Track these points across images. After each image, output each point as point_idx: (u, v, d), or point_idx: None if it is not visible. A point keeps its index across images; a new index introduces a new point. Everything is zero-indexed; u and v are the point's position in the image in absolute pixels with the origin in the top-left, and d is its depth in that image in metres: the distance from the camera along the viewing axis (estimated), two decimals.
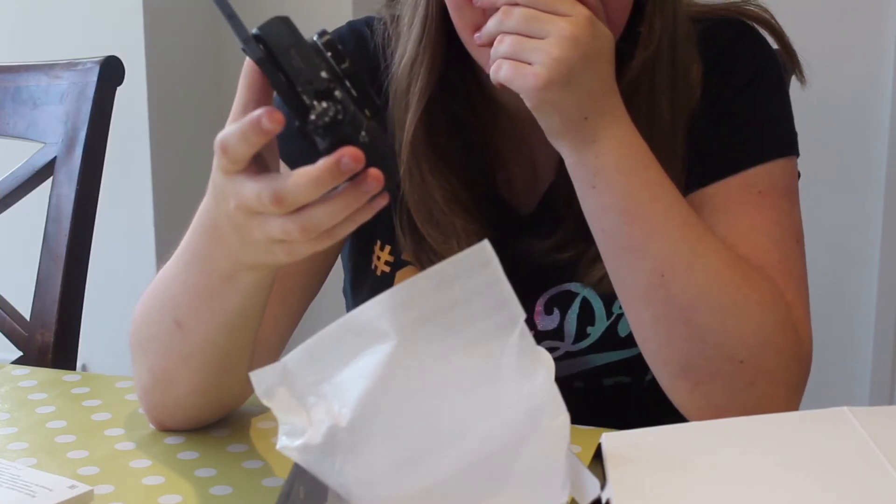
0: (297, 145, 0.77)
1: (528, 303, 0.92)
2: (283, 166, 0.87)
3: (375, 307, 0.74)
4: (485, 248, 0.73)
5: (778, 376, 0.98)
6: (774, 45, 1.12)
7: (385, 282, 1.11)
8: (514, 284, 0.73)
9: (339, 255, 1.16)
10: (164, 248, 2.40)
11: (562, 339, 1.11)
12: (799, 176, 1.09)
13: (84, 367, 2.41)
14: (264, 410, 1.05)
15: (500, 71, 0.93)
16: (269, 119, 0.74)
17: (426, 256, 1.07)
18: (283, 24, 0.75)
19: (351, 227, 0.77)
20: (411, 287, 0.74)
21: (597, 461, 0.85)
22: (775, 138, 1.07)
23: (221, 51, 2.54)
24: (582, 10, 0.92)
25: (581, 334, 1.11)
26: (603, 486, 0.78)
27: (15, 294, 1.48)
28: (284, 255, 0.81)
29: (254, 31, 0.75)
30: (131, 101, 2.33)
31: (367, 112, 0.75)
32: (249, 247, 0.82)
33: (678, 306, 0.96)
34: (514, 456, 0.74)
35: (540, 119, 0.95)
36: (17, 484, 0.88)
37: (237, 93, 0.80)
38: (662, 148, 1.00)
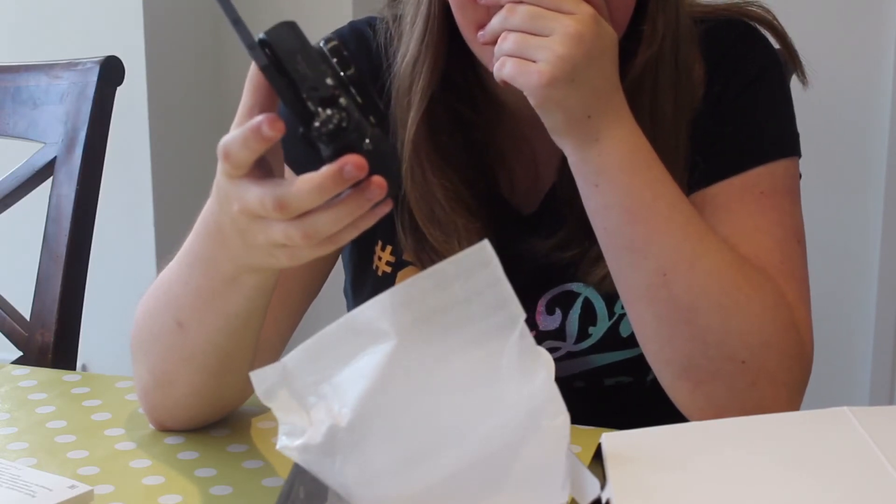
0: (301, 150, 0.77)
1: (529, 303, 0.92)
2: (287, 171, 0.87)
3: (375, 307, 0.74)
4: (485, 247, 0.73)
5: (779, 377, 0.98)
6: (776, 46, 1.12)
7: (386, 282, 1.11)
8: (516, 284, 0.73)
9: (340, 256, 1.16)
10: (164, 249, 2.41)
11: (563, 339, 1.11)
12: (800, 177, 1.09)
13: (84, 367, 2.41)
14: (264, 410, 1.05)
15: (503, 68, 0.93)
16: (270, 126, 0.74)
17: (427, 256, 1.07)
18: (290, 30, 0.75)
19: (354, 234, 0.77)
20: (411, 287, 0.74)
21: (597, 461, 0.85)
22: (777, 139, 1.07)
23: (221, 51, 2.54)
24: (586, 8, 0.92)
25: (583, 334, 1.11)
26: (603, 486, 0.78)
27: (15, 294, 1.48)
28: (287, 259, 0.81)
29: (260, 35, 0.75)
30: (131, 101, 2.33)
31: (371, 119, 0.75)
32: (252, 250, 0.82)
33: (680, 306, 0.96)
34: (514, 456, 0.74)
35: (543, 117, 0.95)
36: (17, 484, 0.88)
37: (242, 96, 0.80)
38: (665, 147, 1.01)
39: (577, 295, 1.10)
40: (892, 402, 2.46)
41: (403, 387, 0.74)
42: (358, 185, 0.74)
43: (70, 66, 1.41)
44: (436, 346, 0.74)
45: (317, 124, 0.73)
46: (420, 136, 1.04)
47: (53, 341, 1.36)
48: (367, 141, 0.73)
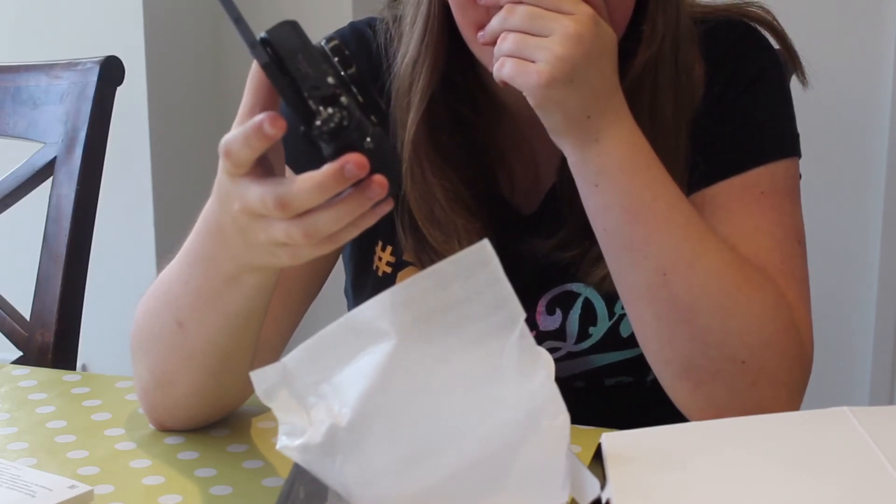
0: (302, 149, 0.77)
1: (529, 303, 0.92)
2: (288, 170, 0.87)
3: (375, 307, 0.74)
4: (484, 247, 0.73)
5: (779, 377, 0.98)
6: (776, 46, 1.12)
7: (386, 282, 1.11)
8: (516, 284, 0.73)
9: (341, 256, 1.16)
10: (164, 249, 2.41)
11: (564, 339, 1.11)
12: (800, 177, 1.09)
13: (84, 367, 2.41)
14: (264, 410, 1.05)
15: (503, 68, 0.93)
16: (271, 124, 0.74)
17: (427, 256, 1.07)
18: (291, 29, 0.75)
19: (355, 233, 0.77)
20: (411, 286, 0.74)
21: (597, 461, 0.85)
22: (777, 139, 1.07)
23: (221, 51, 2.54)
24: (585, 9, 0.92)
25: (583, 335, 1.11)
26: (603, 486, 0.78)
27: (15, 294, 1.48)
28: (288, 258, 0.81)
29: (261, 34, 0.75)
30: (131, 101, 2.33)
31: (372, 118, 0.75)
32: (253, 249, 0.83)
33: (680, 306, 0.96)
34: (514, 456, 0.74)
35: (543, 117, 0.95)
36: (17, 484, 0.88)
37: (244, 95, 0.80)
38: (665, 147, 1.01)
39: (577, 295, 1.10)
40: (892, 402, 2.46)
41: (403, 386, 0.74)
42: (359, 184, 0.74)
43: (70, 66, 1.41)
44: (436, 345, 0.74)
45: (318, 123, 0.73)
46: (420, 137, 1.04)
47: (53, 341, 1.36)
48: (368, 140, 0.73)
